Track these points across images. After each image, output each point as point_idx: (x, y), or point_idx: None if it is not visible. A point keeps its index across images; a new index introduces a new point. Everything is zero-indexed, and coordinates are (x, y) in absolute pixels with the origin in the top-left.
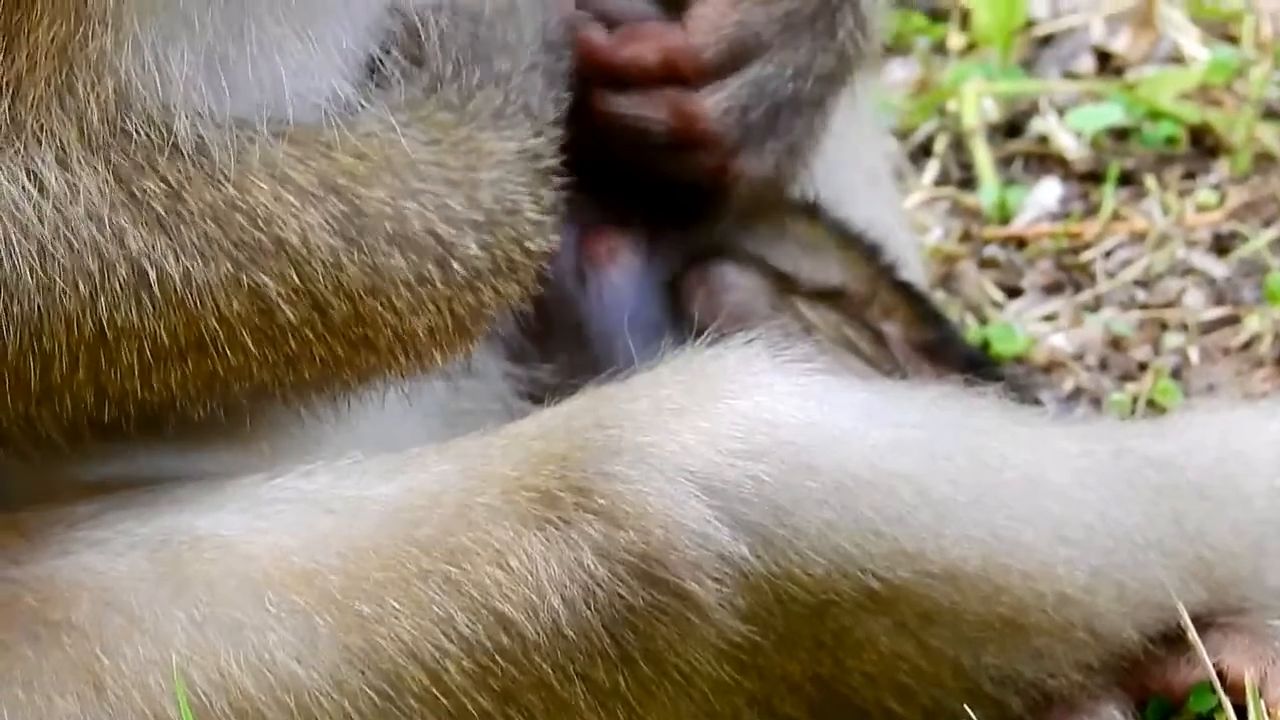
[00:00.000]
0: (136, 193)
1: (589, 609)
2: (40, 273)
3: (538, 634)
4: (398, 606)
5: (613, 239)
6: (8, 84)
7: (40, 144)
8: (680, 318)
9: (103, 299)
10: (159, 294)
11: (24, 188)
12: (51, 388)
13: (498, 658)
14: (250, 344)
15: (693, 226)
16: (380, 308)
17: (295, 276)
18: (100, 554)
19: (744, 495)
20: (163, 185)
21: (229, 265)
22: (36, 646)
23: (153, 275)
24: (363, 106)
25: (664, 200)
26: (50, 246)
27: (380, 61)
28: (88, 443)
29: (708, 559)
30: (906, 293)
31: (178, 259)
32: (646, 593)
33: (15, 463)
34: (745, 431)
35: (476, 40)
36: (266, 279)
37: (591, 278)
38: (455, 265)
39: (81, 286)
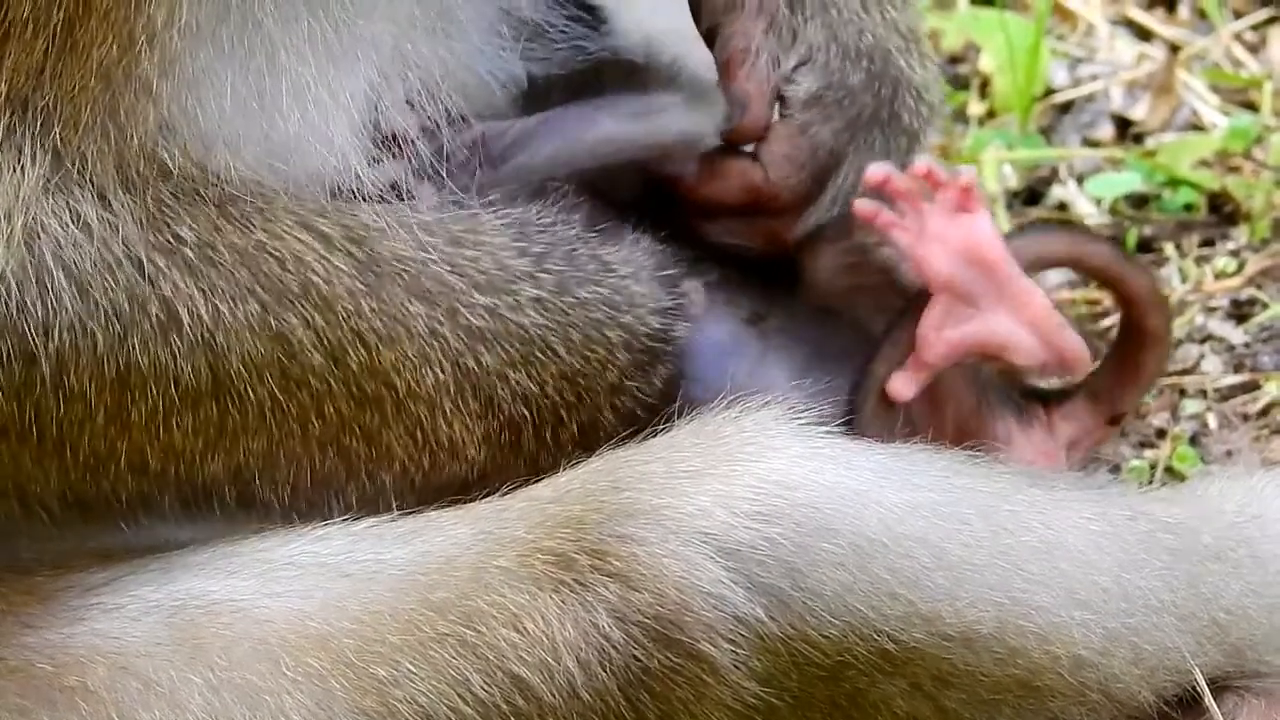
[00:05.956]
0: (171, 238)
1: (604, 671)
2: (77, 310)
3: (553, 696)
4: (413, 669)
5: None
6: (59, 107)
7: (84, 180)
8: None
9: (133, 337)
10: (189, 334)
11: (68, 227)
12: (68, 436)
13: None
14: (268, 390)
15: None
16: (395, 358)
17: (320, 320)
18: (115, 620)
19: (759, 557)
20: (196, 231)
21: (257, 307)
22: (53, 712)
23: (184, 316)
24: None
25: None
26: (89, 286)
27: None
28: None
29: (723, 621)
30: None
31: (207, 300)
32: (662, 655)
33: (29, 527)
34: (761, 494)
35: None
36: (293, 320)
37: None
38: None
39: (115, 324)
